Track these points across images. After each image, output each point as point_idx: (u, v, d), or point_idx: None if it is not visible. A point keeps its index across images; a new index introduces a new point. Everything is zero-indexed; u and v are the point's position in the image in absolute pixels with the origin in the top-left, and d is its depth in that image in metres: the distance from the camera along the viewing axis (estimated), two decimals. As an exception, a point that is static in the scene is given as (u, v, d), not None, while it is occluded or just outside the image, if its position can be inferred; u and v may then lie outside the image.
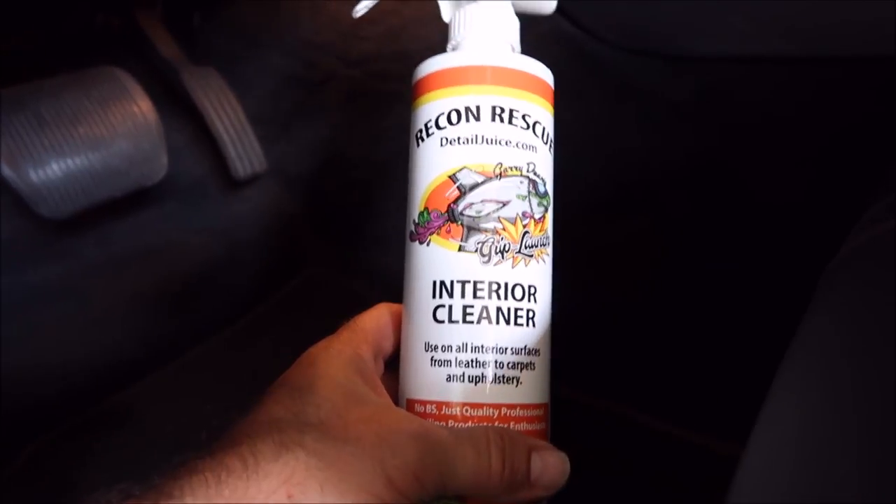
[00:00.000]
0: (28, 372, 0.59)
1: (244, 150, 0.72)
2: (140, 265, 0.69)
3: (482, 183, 0.29)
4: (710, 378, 0.54)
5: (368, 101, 0.72)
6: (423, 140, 0.31)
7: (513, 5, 0.32)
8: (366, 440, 0.24)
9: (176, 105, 0.73)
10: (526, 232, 0.29)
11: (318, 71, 0.75)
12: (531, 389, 0.29)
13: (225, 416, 0.25)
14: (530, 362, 0.29)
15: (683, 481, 0.51)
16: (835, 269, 0.29)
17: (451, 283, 0.29)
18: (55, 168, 0.60)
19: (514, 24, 0.32)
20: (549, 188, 0.31)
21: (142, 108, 0.64)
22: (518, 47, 0.32)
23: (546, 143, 0.31)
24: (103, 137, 0.62)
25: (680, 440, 0.55)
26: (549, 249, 0.31)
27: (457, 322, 0.28)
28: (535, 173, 0.30)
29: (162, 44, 0.74)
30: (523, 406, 0.28)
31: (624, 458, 0.54)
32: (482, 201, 0.29)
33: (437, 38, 0.33)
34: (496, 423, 0.28)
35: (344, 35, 0.73)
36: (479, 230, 0.29)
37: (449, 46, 0.32)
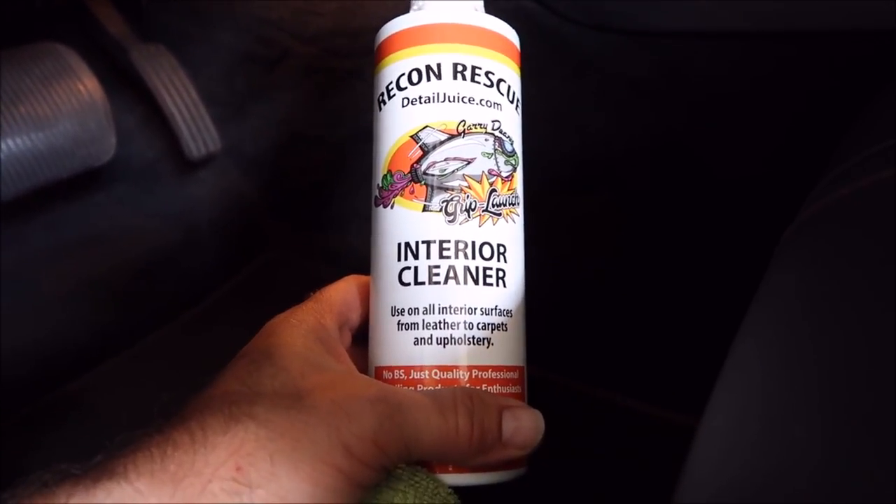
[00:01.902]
0: (-27, 363, 0.57)
1: (197, 130, 0.70)
2: (92, 250, 0.67)
3: (445, 141, 0.28)
4: (670, 351, 0.55)
5: (325, 79, 0.71)
6: (384, 103, 0.30)
7: None
8: (320, 408, 0.23)
9: (125, 84, 0.70)
10: (493, 190, 0.29)
11: (272, 48, 0.73)
12: (504, 351, 0.28)
13: (183, 404, 0.24)
14: (502, 323, 0.28)
15: (645, 454, 0.51)
16: (791, 234, 0.29)
17: (416, 243, 0.28)
18: (-5, 149, 0.57)
19: None
20: (518, 147, 0.30)
21: (87, 85, 0.61)
22: (482, 9, 0.31)
23: (512, 102, 0.30)
24: (46, 117, 0.59)
25: (642, 414, 0.56)
26: (520, 210, 0.30)
27: (423, 284, 0.28)
28: (500, 131, 0.29)
29: (109, 21, 0.71)
30: (496, 368, 0.28)
31: (587, 434, 0.54)
32: (446, 159, 0.28)
33: (396, 13, 0.32)
34: (467, 387, 0.27)
35: (298, 11, 0.71)
36: (443, 189, 0.28)
37: (413, 9, 0.31)
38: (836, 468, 0.16)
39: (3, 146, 0.57)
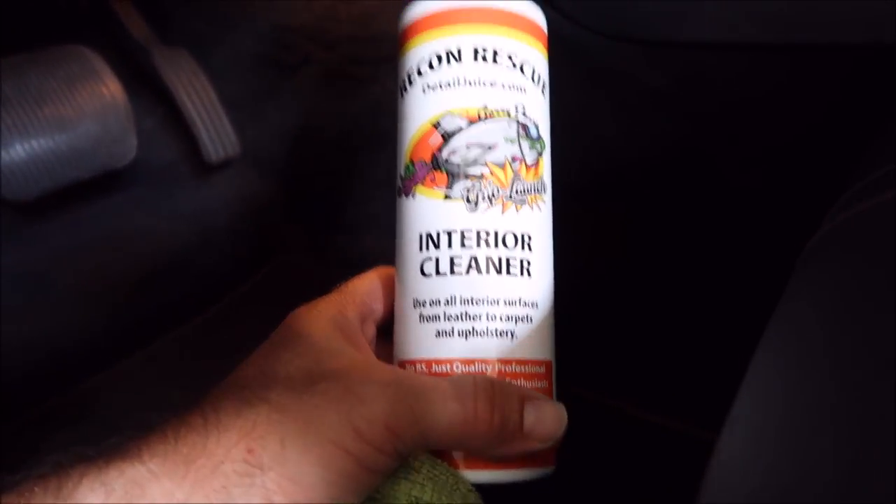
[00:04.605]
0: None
1: (217, 134, 0.71)
2: (109, 251, 0.67)
3: (466, 127, 0.27)
4: (682, 362, 0.55)
5: (344, 85, 0.71)
6: (406, 90, 0.29)
7: None
8: (332, 392, 0.23)
9: (146, 87, 0.71)
10: (517, 177, 0.28)
11: (292, 54, 0.74)
12: (528, 344, 0.27)
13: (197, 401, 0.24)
14: (526, 315, 0.27)
15: (656, 465, 0.51)
16: (811, 249, 0.29)
17: (437, 234, 0.27)
18: (19, 149, 0.57)
19: None
20: (544, 132, 0.29)
21: (110, 88, 0.62)
22: None
23: (538, 85, 0.29)
24: (69, 118, 0.60)
25: (652, 424, 0.55)
26: (547, 197, 0.29)
27: (444, 274, 0.27)
28: (524, 115, 0.28)
29: (132, 24, 0.72)
30: (520, 362, 0.27)
31: (600, 446, 0.54)
32: (467, 146, 0.27)
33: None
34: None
35: (319, 17, 0.72)
36: (464, 176, 0.27)
37: None
38: (854, 476, 0.16)
39: (28, 146, 0.58)
